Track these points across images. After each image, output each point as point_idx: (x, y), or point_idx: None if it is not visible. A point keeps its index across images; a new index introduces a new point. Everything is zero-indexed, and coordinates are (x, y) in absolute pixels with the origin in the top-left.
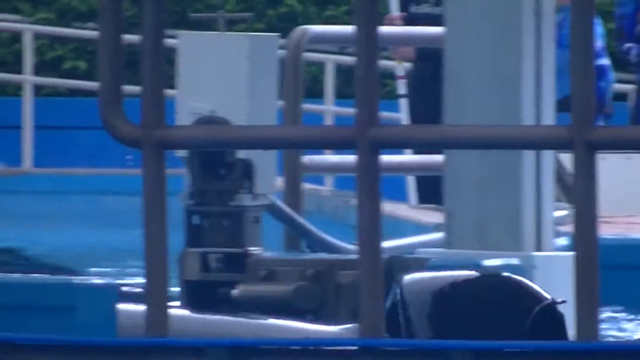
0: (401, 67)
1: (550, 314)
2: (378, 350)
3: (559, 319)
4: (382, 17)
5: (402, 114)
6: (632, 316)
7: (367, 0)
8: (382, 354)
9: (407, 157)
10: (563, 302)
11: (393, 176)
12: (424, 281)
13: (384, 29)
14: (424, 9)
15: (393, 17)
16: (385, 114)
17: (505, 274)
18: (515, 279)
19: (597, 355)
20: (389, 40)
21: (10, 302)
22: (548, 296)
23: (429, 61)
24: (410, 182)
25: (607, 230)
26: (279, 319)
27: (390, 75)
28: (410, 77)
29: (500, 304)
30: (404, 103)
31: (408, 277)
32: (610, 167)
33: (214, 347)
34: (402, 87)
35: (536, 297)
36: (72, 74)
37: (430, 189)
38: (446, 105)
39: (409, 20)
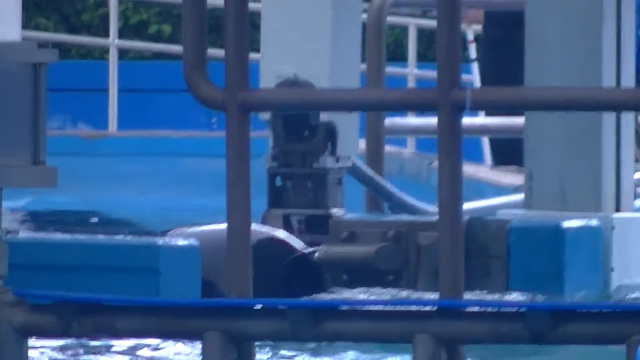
0: (470, 31)
1: (302, 264)
2: (461, 312)
3: (312, 269)
4: None
5: (475, 77)
6: None
7: None
8: (464, 316)
9: (486, 119)
10: (313, 252)
11: (471, 138)
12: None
13: None
14: None
15: None
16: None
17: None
18: (272, 235)
19: None
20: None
21: (95, 263)
22: (300, 249)
23: (499, 25)
24: (486, 144)
25: None
26: (360, 279)
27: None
28: (481, 42)
29: (261, 257)
30: (475, 67)
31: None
32: None
33: (293, 308)
34: (472, 51)
35: (289, 249)
36: (157, 37)
37: (507, 151)
38: (527, 68)
39: None
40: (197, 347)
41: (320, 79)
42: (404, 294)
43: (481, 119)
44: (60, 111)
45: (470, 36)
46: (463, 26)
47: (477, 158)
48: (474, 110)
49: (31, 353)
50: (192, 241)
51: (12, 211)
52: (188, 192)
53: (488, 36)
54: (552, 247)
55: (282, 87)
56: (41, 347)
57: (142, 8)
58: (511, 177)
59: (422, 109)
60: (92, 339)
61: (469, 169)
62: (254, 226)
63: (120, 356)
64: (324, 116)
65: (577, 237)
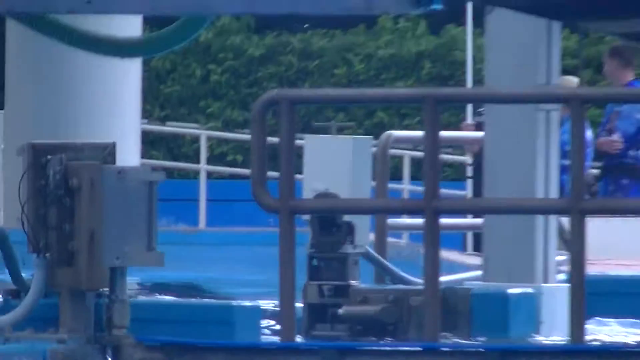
0: (470, 155)
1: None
2: (439, 351)
3: None
4: (453, 124)
5: (468, 190)
6: (605, 326)
7: (431, 116)
8: (441, 353)
9: (465, 220)
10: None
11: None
12: None
13: (457, 133)
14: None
15: (466, 124)
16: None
17: None
18: None
19: (583, 355)
20: (458, 140)
21: (189, 318)
22: None
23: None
24: (469, 236)
25: (591, 269)
26: (370, 329)
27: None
28: (473, 165)
29: None
30: (469, 182)
31: None
32: (595, 225)
33: (325, 349)
34: (469, 171)
35: None
36: (233, 163)
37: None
38: (485, 185)
39: (477, 127)
40: None
41: (343, 193)
42: (400, 340)
43: (461, 220)
44: (167, 214)
45: (469, 161)
46: (467, 155)
47: (453, 245)
48: (450, 214)
49: None
50: (256, 302)
51: (134, 282)
52: (254, 269)
53: (478, 162)
54: (501, 307)
55: (317, 198)
56: None
57: (223, 143)
58: (474, 259)
59: (413, 213)
60: None
61: (444, 254)
62: None
63: None
64: (346, 217)
65: (517, 300)
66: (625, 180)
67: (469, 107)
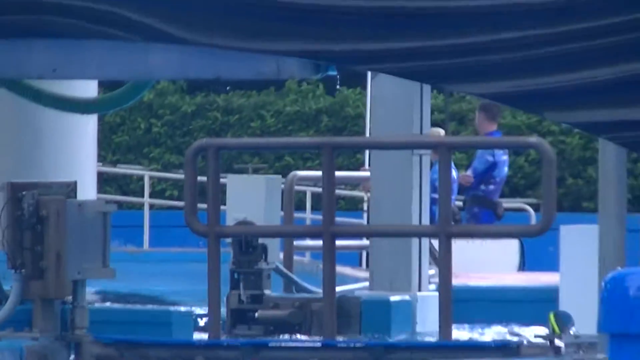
0: (367, 195)
1: None
2: (335, 347)
3: None
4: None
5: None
6: (466, 330)
7: (329, 160)
8: (337, 349)
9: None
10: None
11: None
12: None
13: (349, 173)
14: None
15: (364, 168)
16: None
17: None
18: None
19: (449, 350)
20: (350, 179)
21: (135, 319)
22: None
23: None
24: (364, 255)
25: (456, 280)
26: (281, 329)
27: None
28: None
29: None
30: (365, 215)
31: None
32: (458, 246)
33: (244, 345)
34: (365, 206)
35: None
36: (171, 197)
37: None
38: (372, 213)
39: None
40: None
41: (258, 220)
42: (304, 337)
43: (353, 242)
44: (118, 238)
45: (366, 197)
46: (363, 192)
47: (348, 262)
48: (345, 237)
49: None
50: (188, 308)
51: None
52: (188, 282)
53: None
54: (384, 311)
55: (237, 224)
56: None
57: (162, 181)
58: (363, 272)
59: (313, 236)
60: None
61: (339, 269)
62: None
63: None
64: (260, 240)
65: (398, 305)
66: (477, 209)
67: (366, 153)
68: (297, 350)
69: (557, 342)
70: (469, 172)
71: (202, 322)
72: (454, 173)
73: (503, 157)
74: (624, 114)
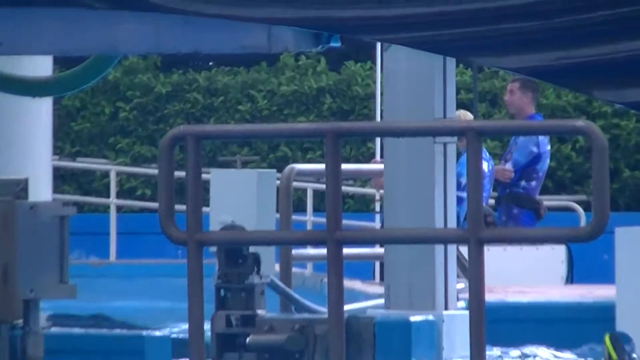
0: (379, 193)
1: None
2: None
3: None
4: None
5: (377, 224)
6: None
7: (332, 150)
8: None
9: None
10: None
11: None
12: None
13: (358, 165)
14: None
15: (375, 160)
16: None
17: None
18: None
19: None
20: (360, 172)
21: (97, 349)
22: None
23: None
24: (377, 266)
25: (490, 296)
26: (277, 358)
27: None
28: (381, 200)
29: None
30: (378, 217)
31: None
32: (493, 254)
33: None
34: (377, 206)
35: None
36: (142, 197)
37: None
38: (386, 215)
39: None
40: None
41: (249, 225)
42: None
43: (365, 250)
44: (79, 247)
45: (377, 196)
46: (374, 189)
47: (359, 275)
48: (352, 244)
49: None
50: (165, 332)
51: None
52: (164, 300)
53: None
54: (403, 334)
55: (223, 230)
56: None
57: (132, 178)
58: (376, 288)
59: (316, 244)
60: None
61: (347, 283)
62: None
63: None
64: (252, 248)
65: (419, 326)
66: (516, 209)
67: (378, 142)
68: None
69: None
70: (509, 166)
71: (181, 351)
72: (485, 165)
73: (547, 146)
74: None
